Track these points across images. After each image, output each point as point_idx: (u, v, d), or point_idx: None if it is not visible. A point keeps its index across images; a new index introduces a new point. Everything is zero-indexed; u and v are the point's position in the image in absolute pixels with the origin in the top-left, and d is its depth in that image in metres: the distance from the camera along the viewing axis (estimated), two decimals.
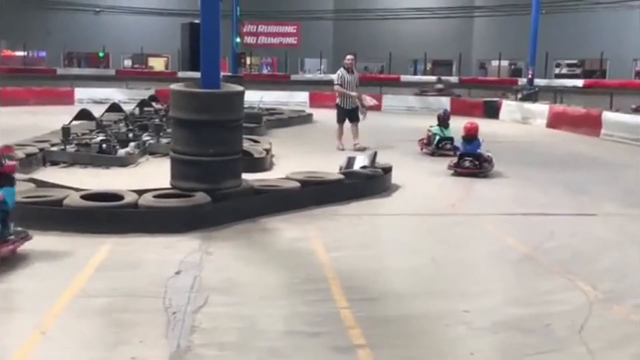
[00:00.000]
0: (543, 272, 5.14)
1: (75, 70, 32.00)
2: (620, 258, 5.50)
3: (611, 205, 7.66)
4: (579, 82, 26.65)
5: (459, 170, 9.48)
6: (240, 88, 7.01)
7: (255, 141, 11.03)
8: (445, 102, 21.47)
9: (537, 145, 14.01)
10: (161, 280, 4.61)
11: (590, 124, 15.87)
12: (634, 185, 8.63)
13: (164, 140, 10.78)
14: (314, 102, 24.11)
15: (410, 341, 3.79)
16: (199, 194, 6.34)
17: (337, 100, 12.32)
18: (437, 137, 11.64)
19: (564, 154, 12.71)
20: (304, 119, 18.42)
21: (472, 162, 9.50)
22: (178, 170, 6.68)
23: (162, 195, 6.36)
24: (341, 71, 12.27)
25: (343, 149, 11.52)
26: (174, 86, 6.78)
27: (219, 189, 6.46)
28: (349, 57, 12.39)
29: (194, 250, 5.40)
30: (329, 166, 8.38)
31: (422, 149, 11.88)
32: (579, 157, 12.21)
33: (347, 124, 12.10)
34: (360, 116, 12.18)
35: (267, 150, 10.25)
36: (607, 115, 15.64)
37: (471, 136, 9.89)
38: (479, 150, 9.69)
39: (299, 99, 24.47)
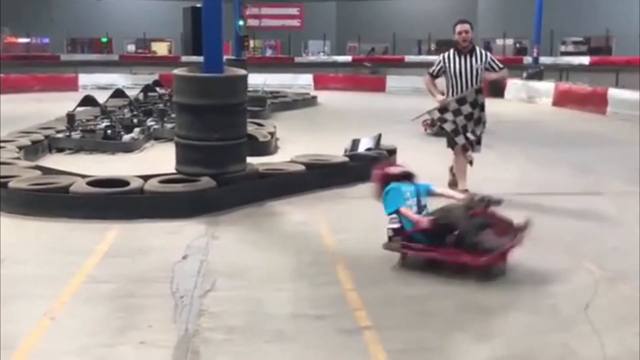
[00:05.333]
0: (548, 252, 5.14)
1: (79, 56, 32.05)
2: (626, 237, 5.47)
3: (617, 183, 7.64)
4: (585, 60, 26.47)
5: None
6: (243, 72, 6.99)
7: (259, 125, 11.03)
8: None
9: (543, 124, 13.94)
10: (168, 265, 4.64)
11: (596, 102, 15.77)
12: None
13: (168, 125, 10.79)
14: (318, 84, 24.03)
15: (417, 323, 3.82)
16: (204, 179, 6.36)
17: (440, 98, 6.69)
18: None
19: (569, 132, 12.65)
20: (308, 101, 18.37)
21: None
22: (183, 155, 6.69)
23: (167, 180, 6.38)
24: (446, 54, 6.74)
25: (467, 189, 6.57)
26: (177, 71, 6.77)
27: (224, 174, 6.47)
28: (459, 26, 6.61)
29: (200, 235, 5.43)
30: (334, 149, 8.37)
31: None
32: (584, 136, 12.15)
33: None
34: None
35: (272, 134, 10.24)
36: (613, 93, 15.54)
37: None
38: None
39: (303, 81, 24.36)
